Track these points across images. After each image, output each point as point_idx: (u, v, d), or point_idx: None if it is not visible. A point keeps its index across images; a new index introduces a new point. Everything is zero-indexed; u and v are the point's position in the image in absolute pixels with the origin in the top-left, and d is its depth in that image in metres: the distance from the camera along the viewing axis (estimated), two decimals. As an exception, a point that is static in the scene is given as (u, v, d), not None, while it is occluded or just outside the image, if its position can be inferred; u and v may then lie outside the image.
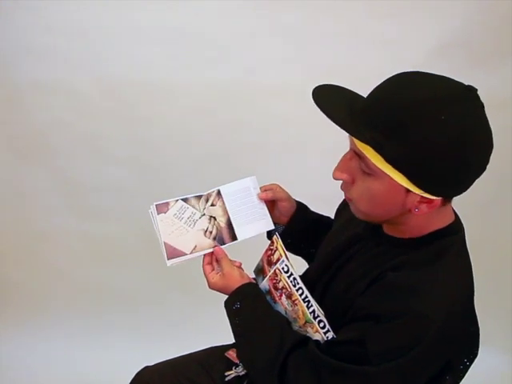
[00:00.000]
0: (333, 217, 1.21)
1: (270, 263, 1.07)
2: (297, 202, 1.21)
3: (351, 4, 1.71)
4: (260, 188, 1.18)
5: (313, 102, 0.83)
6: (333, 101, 0.84)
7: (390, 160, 0.78)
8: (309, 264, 1.24)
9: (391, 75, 0.84)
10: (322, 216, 1.26)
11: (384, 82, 0.83)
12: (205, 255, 1.10)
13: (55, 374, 1.96)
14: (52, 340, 2.07)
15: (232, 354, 1.17)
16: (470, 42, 1.75)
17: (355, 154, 0.84)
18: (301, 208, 1.21)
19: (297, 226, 1.19)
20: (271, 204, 1.19)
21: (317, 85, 0.87)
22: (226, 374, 1.15)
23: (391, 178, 0.79)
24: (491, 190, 1.62)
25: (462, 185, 0.82)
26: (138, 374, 1.22)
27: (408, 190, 0.81)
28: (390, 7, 1.71)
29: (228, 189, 1.17)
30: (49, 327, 2.10)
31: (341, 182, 0.90)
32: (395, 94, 0.79)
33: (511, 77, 1.78)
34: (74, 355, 2.04)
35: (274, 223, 1.18)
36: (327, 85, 0.88)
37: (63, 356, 2.03)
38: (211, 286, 1.07)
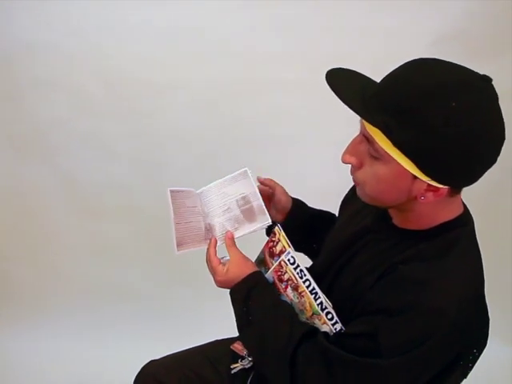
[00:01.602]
0: (335, 212, 1.20)
1: (273, 255, 1.06)
2: (293, 198, 1.20)
3: (351, -3, 1.72)
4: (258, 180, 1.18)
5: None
6: (346, 83, 0.83)
7: (398, 145, 0.77)
8: (312, 260, 1.23)
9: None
10: (320, 211, 1.25)
11: (399, 67, 0.82)
12: (211, 247, 1.08)
13: (58, 371, 1.96)
14: (54, 337, 2.06)
15: (237, 347, 1.16)
16: (469, 34, 1.76)
17: (364, 137, 0.83)
18: (297, 204, 1.20)
19: (293, 223, 1.18)
20: (267, 201, 1.18)
21: (327, 70, 0.84)
22: (232, 366, 1.15)
23: (398, 164, 0.79)
24: (492, 183, 1.62)
25: (470, 175, 0.81)
26: (143, 368, 1.22)
27: (415, 177, 0.80)
28: (390, 0, 1.72)
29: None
30: (50, 325, 2.09)
31: (349, 166, 0.89)
32: (408, 79, 0.78)
33: (509, 70, 1.78)
34: (76, 352, 2.03)
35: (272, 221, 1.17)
36: (342, 68, 0.86)
37: (65, 353, 2.03)
38: (220, 277, 1.03)
